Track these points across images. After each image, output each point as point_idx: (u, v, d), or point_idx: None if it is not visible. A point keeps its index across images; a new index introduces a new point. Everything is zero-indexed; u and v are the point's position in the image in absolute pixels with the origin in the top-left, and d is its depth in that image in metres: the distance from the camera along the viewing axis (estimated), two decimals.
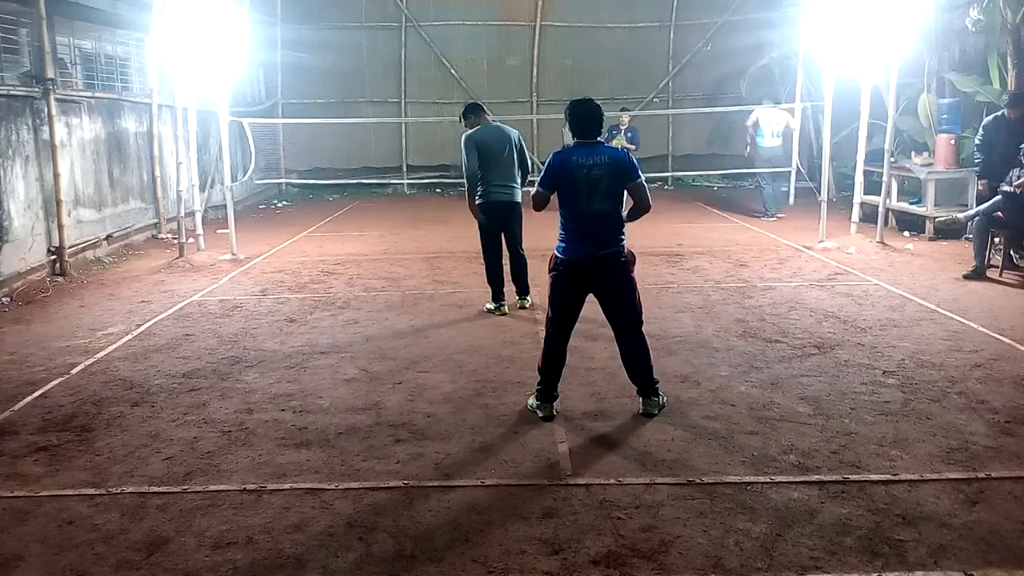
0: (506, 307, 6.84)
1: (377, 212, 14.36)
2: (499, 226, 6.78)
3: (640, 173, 4.40)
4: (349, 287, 7.98)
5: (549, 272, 4.48)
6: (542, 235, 6.66)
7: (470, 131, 6.68)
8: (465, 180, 6.78)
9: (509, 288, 6.93)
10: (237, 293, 7.82)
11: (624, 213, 4.45)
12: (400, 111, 17.54)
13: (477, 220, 6.84)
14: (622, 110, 13.80)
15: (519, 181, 6.74)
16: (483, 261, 6.92)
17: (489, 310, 6.85)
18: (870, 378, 4.99)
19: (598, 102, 4.49)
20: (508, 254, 6.89)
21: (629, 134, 13.62)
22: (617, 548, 3.11)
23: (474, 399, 4.78)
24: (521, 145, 6.72)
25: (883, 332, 5.99)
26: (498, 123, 6.81)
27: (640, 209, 4.44)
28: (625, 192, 4.42)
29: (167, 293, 7.86)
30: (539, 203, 4.51)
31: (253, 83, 16.40)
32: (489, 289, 6.90)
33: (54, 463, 4.01)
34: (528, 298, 7.00)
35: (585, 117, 4.40)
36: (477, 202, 6.73)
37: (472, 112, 6.81)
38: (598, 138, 4.44)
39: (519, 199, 6.75)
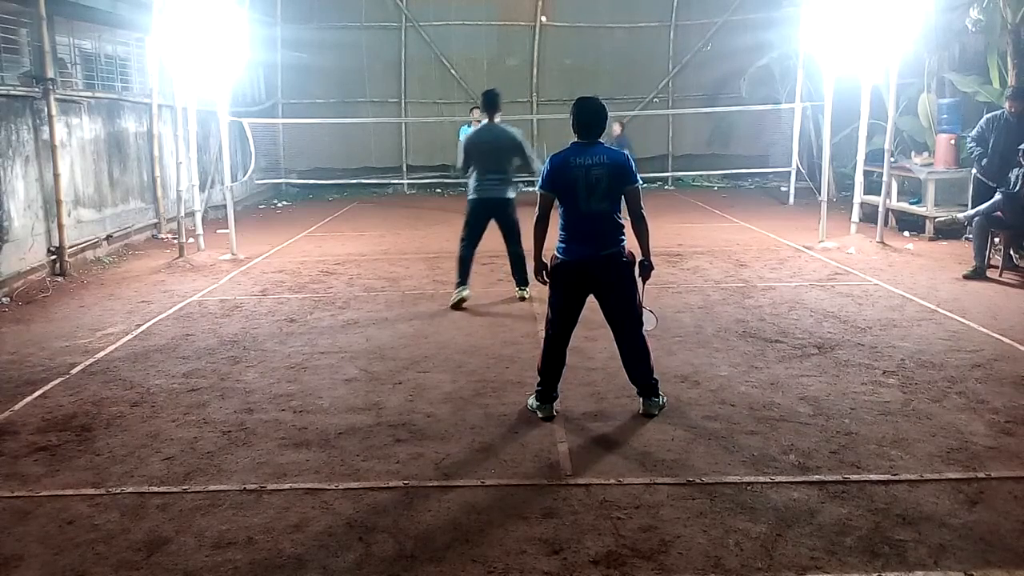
0: (466, 292, 6.95)
1: (377, 212, 14.36)
2: (485, 218, 7.04)
3: (638, 178, 4.39)
4: (349, 287, 7.98)
5: (549, 272, 4.48)
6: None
7: (468, 132, 7.11)
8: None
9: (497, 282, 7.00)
10: (237, 293, 7.82)
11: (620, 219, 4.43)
12: (400, 111, 17.55)
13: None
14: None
15: (511, 179, 7.00)
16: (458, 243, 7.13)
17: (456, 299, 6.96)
18: (870, 378, 4.99)
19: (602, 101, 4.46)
20: (507, 249, 7.10)
21: (618, 145, 13.56)
22: (617, 548, 3.11)
23: (474, 399, 4.78)
24: (520, 147, 6.92)
25: (883, 332, 5.99)
26: (498, 124, 6.98)
27: (638, 219, 4.38)
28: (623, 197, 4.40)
29: (167, 293, 7.86)
30: (542, 206, 4.42)
31: (253, 83, 16.40)
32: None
33: (54, 463, 4.01)
34: (527, 289, 7.12)
35: (584, 117, 4.37)
36: (470, 196, 7.07)
37: (484, 104, 7.05)
38: (599, 139, 4.42)
39: (509, 195, 6.97)
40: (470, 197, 7.08)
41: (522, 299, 7.11)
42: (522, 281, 7.15)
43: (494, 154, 6.92)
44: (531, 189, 6.98)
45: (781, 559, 3.02)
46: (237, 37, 9.45)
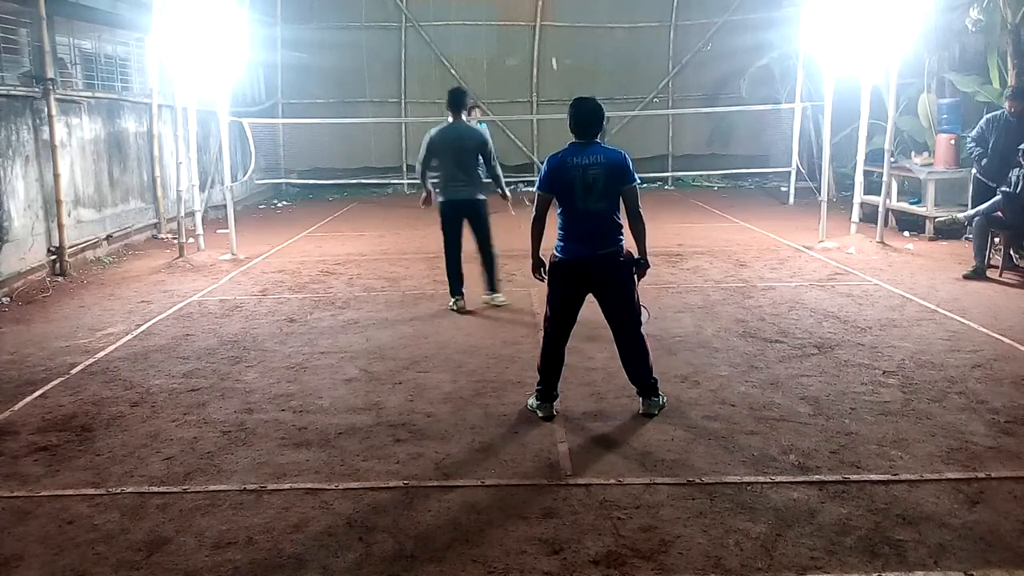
0: (462, 302, 6.86)
1: (377, 212, 14.35)
2: (458, 222, 6.91)
3: (636, 177, 4.39)
4: (349, 287, 7.98)
5: (547, 271, 4.48)
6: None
7: (432, 130, 6.87)
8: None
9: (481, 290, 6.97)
10: (237, 293, 7.82)
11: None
12: (400, 111, 17.53)
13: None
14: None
15: (480, 179, 6.86)
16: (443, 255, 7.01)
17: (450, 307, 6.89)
18: (870, 378, 4.99)
19: (599, 101, 4.47)
20: (478, 251, 6.97)
21: None
22: (617, 548, 3.11)
23: (474, 399, 4.78)
24: (486, 150, 6.80)
25: (883, 332, 5.99)
26: (464, 122, 6.86)
27: (635, 218, 4.38)
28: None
29: (167, 293, 7.86)
30: (540, 206, 4.44)
31: (253, 83, 16.39)
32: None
33: (54, 463, 4.01)
34: (499, 296, 6.98)
35: (581, 118, 4.38)
36: (439, 199, 6.92)
37: (449, 103, 6.84)
38: (596, 139, 4.42)
39: (480, 196, 6.86)
40: (439, 200, 6.89)
41: (492, 305, 6.93)
42: (491, 286, 6.98)
43: (460, 153, 6.73)
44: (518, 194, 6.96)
45: (781, 559, 3.02)
46: (237, 37, 9.45)
